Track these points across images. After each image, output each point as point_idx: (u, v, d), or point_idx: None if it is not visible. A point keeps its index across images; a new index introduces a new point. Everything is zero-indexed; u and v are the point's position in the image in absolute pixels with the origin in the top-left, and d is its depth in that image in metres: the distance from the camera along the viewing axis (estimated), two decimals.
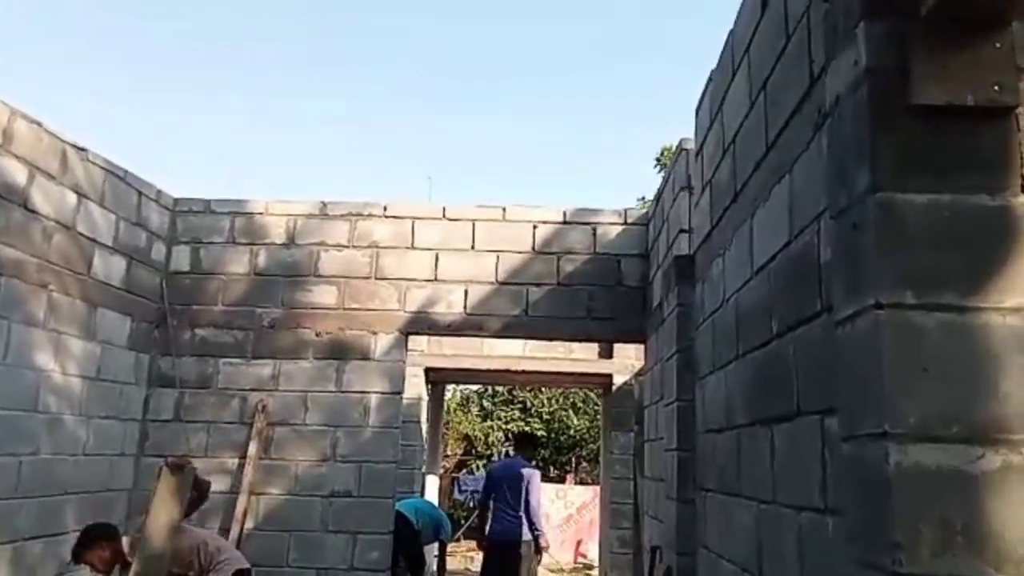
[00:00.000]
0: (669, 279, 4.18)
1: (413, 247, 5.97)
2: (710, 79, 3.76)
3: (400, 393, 5.89)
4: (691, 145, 4.33)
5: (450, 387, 19.14)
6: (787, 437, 2.33)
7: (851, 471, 1.62)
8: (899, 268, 1.52)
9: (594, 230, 5.98)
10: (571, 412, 18.98)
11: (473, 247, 5.95)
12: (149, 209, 5.80)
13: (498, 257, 5.93)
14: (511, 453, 8.67)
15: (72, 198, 4.90)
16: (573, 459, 19.83)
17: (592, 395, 17.14)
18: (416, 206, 6.07)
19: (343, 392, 5.81)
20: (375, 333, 5.86)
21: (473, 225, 5.99)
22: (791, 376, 2.29)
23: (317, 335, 5.87)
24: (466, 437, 19.17)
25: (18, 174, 4.40)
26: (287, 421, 5.80)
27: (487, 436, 18.74)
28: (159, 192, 5.93)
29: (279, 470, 5.75)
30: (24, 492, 4.59)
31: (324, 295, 5.92)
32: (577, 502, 13.87)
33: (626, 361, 8.44)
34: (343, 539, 5.65)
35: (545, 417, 18.90)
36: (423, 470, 9.62)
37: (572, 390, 18.33)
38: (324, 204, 6.08)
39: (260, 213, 6.07)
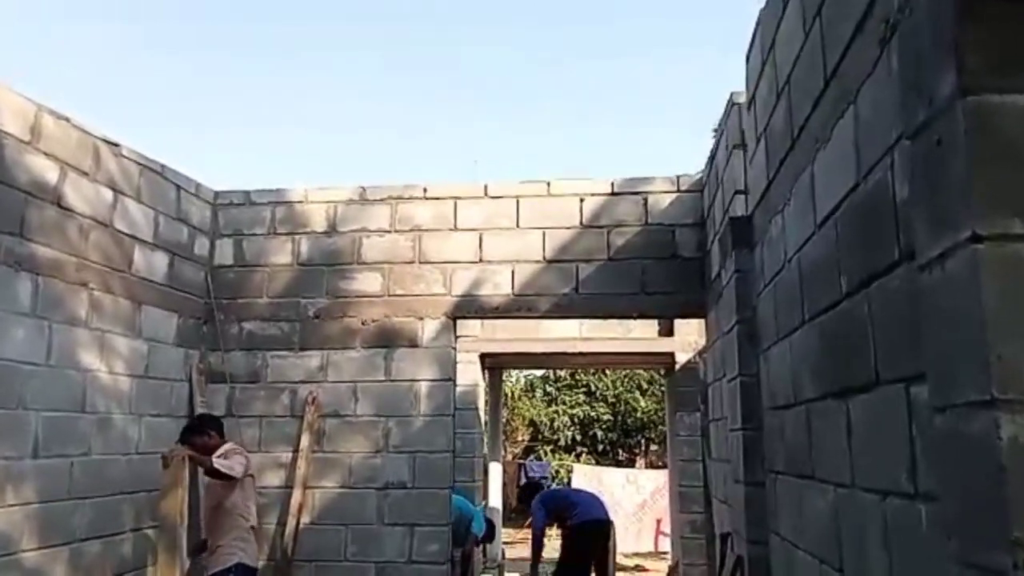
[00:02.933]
0: (725, 244, 3.84)
1: (456, 228, 5.74)
2: (759, 21, 3.39)
3: (450, 380, 5.69)
4: (742, 98, 3.97)
5: (512, 373, 19.05)
6: (865, 411, 2.00)
7: (948, 448, 1.30)
8: (999, 190, 1.19)
9: (645, 200, 5.64)
10: (637, 393, 18.60)
11: (518, 225, 5.69)
12: (189, 203, 5.74)
13: (544, 234, 5.65)
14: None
15: (108, 194, 4.84)
16: (642, 441, 19.45)
17: (657, 375, 16.73)
18: (457, 186, 5.84)
19: (392, 381, 5.65)
20: (422, 319, 5.67)
21: (517, 202, 5.73)
22: (867, 340, 1.96)
23: (363, 323, 5.72)
24: (532, 423, 19.02)
25: (49, 172, 4.34)
26: (338, 412, 5.68)
27: (552, 421, 18.54)
28: (198, 186, 5.85)
29: (332, 462, 5.63)
30: (78, 493, 4.57)
31: (368, 282, 5.76)
32: (649, 487, 13.51)
33: (688, 338, 8.06)
34: (400, 532, 5.50)
35: (610, 400, 18.57)
36: (485, 458, 9.47)
37: (637, 371, 17.95)
38: (364, 189, 5.91)
39: (300, 202, 5.94)
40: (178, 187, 5.61)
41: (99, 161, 4.76)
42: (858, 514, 2.02)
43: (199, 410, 5.69)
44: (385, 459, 5.58)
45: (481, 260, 5.67)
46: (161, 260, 5.40)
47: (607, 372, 18.64)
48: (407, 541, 5.48)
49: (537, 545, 7.03)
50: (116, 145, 4.93)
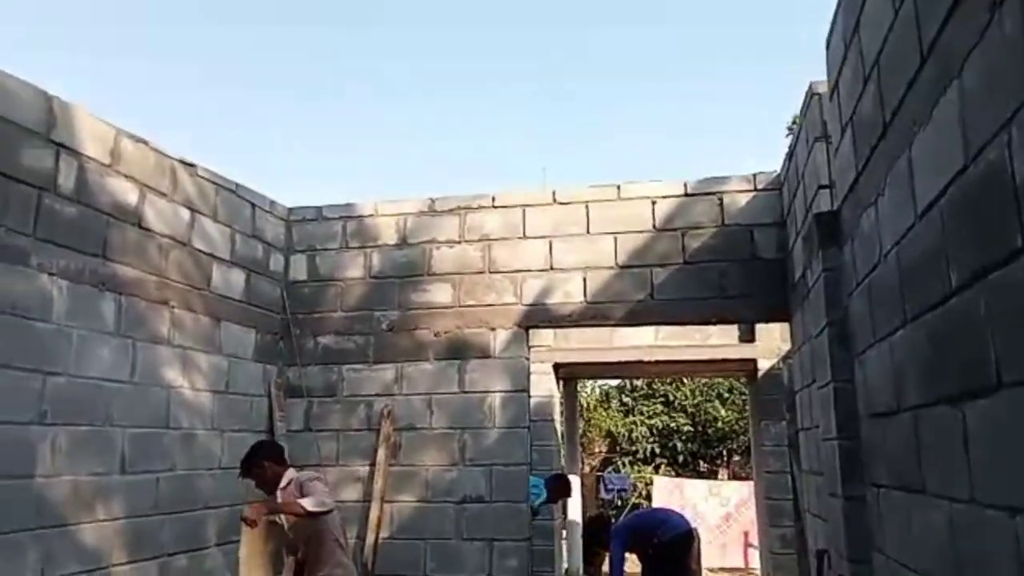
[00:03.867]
0: (811, 242, 3.62)
1: (525, 236, 5.66)
2: (839, 4, 3.19)
3: (525, 391, 5.59)
4: (823, 88, 3.75)
5: (587, 384, 18.82)
6: (984, 417, 1.80)
7: None
8: None
9: (720, 200, 5.42)
10: (717, 403, 18.09)
11: (588, 231, 5.56)
12: (264, 220, 5.83)
13: (616, 239, 5.50)
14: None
15: (185, 214, 4.95)
16: (724, 452, 18.89)
17: (738, 383, 16.21)
18: (525, 194, 5.76)
19: (466, 392, 5.59)
20: (493, 329, 5.59)
21: (586, 207, 5.60)
22: (983, 338, 1.76)
23: (435, 335, 5.68)
24: (609, 434, 18.72)
25: (129, 193, 4.46)
26: (413, 425, 5.65)
27: (630, 432, 18.19)
28: (272, 203, 5.95)
29: (409, 476, 5.60)
30: (164, 508, 4.66)
31: (439, 293, 5.72)
32: (734, 499, 13.05)
33: (771, 344, 7.74)
34: (479, 547, 5.42)
35: (689, 410, 18.11)
36: (562, 470, 9.31)
37: (716, 379, 17.47)
38: (432, 200, 5.89)
39: (370, 215, 5.97)
40: (253, 205, 5.71)
41: (176, 182, 4.88)
42: (981, 533, 1.81)
43: (278, 425, 5.76)
44: (462, 472, 5.51)
45: (551, 268, 5.57)
46: (238, 277, 5.50)
47: (685, 381, 18.19)
48: (486, 556, 5.39)
49: None
50: (192, 165, 5.05)
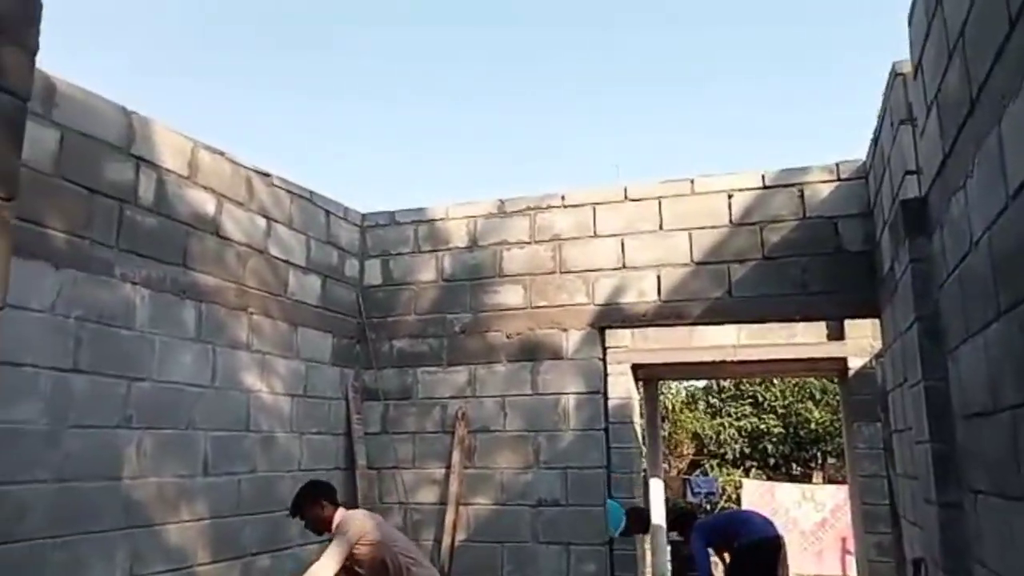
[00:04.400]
0: (897, 231, 3.39)
1: (596, 235, 5.55)
2: None
3: (599, 392, 5.48)
4: (906, 67, 3.51)
5: (671, 385, 18.45)
6: None
7: None
8: None
9: (801, 192, 5.18)
10: (810, 404, 17.40)
11: (661, 227, 5.41)
12: (338, 227, 5.93)
13: (690, 235, 5.33)
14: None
15: (261, 222, 5.08)
16: (818, 454, 18.15)
17: (831, 383, 15.53)
18: (595, 191, 5.65)
19: (539, 395, 5.53)
20: (565, 330, 5.51)
21: (659, 203, 5.45)
22: None
23: (507, 337, 5.65)
24: (696, 436, 18.29)
25: (207, 204, 4.61)
26: (487, 428, 5.63)
27: (718, 434, 17.73)
28: (346, 209, 6.05)
29: (484, 479, 5.58)
30: (246, 509, 4.78)
31: (510, 295, 5.69)
32: (829, 503, 12.51)
33: (862, 341, 7.36)
34: (556, 550, 5.34)
35: (780, 411, 17.50)
36: (645, 473, 9.13)
37: (809, 380, 16.81)
38: (502, 202, 5.86)
39: (441, 219, 5.99)
40: (327, 212, 5.82)
41: (252, 191, 5.02)
42: None
43: (356, 427, 5.85)
44: (537, 475, 5.45)
45: (624, 266, 5.44)
46: (314, 283, 5.61)
47: (775, 382, 17.59)
48: (564, 560, 5.31)
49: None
50: (267, 175, 5.18)
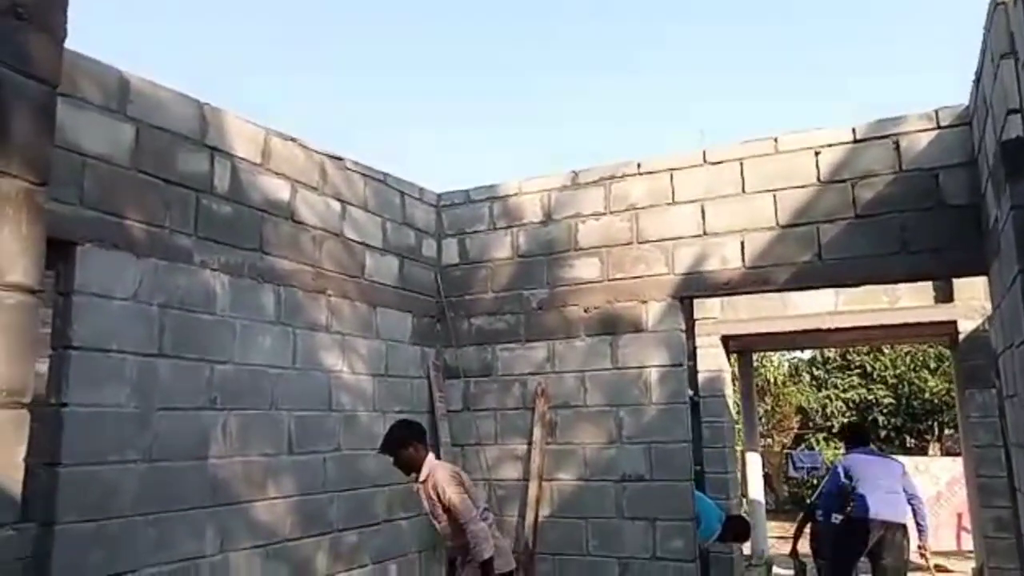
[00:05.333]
0: (997, 176, 3.07)
1: (675, 202, 5.34)
2: None
3: (682, 365, 5.30)
4: None
5: (773, 358, 17.82)
6: None
7: None
8: None
9: (896, 143, 4.80)
10: (925, 372, 16.43)
11: (743, 190, 5.14)
12: (414, 208, 5.96)
13: (775, 197, 5.04)
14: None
15: (336, 206, 5.15)
16: (935, 426, 17.15)
17: (948, 350, 14.59)
18: (672, 157, 5.43)
19: (620, 369, 5.40)
20: (645, 302, 5.34)
21: (740, 165, 5.18)
22: None
23: (585, 311, 5.53)
24: (800, 410, 17.63)
25: (281, 190, 4.70)
26: (568, 403, 5.55)
27: (824, 407, 17.02)
28: (422, 190, 6.06)
29: (566, 454, 5.52)
30: (332, 487, 4.90)
31: (586, 268, 5.56)
32: (945, 477, 11.79)
33: (972, 303, 6.82)
34: (641, 526, 5.23)
35: (891, 381, 16.60)
36: (741, 448, 8.85)
37: (921, 347, 15.86)
38: (576, 173, 5.72)
39: (515, 195, 5.91)
40: (402, 193, 5.84)
41: (325, 176, 5.08)
42: None
43: (438, 405, 5.89)
44: (620, 450, 5.34)
45: (705, 233, 5.21)
46: (392, 264, 5.66)
47: (884, 351, 16.70)
48: (649, 536, 5.19)
49: (829, 497, 6.25)
50: (340, 159, 5.24)
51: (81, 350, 3.46)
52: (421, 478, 4.09)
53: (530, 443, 5.59)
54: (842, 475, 6.10)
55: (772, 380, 17.56)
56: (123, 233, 3.71)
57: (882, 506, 5.91)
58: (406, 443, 4.11)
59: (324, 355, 4.94)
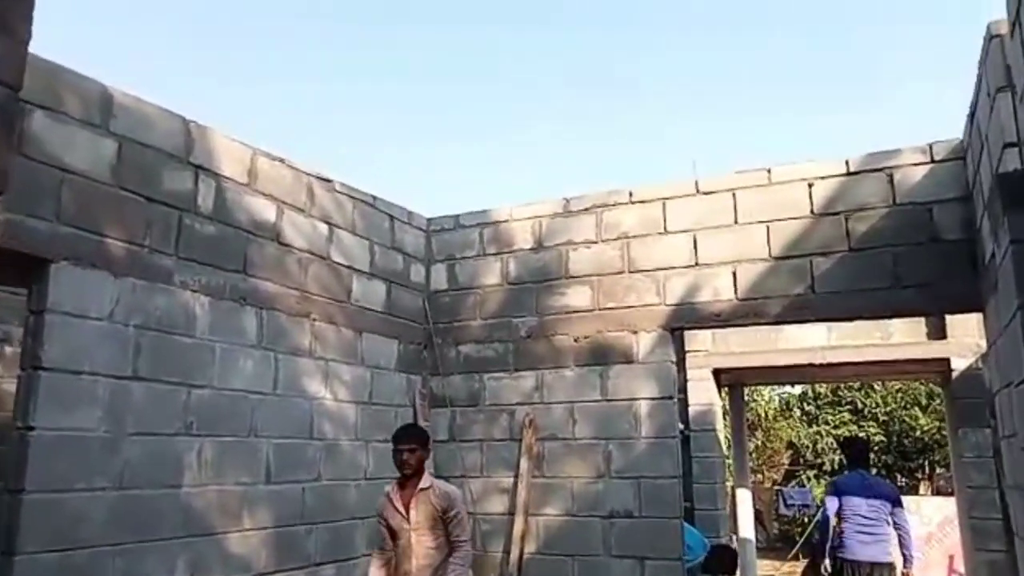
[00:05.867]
0: (995, 210, 3.02)
1: (667, 231, 5.28)
2: None
3: (672, 398, 5.19)
4: (1003, 28, 3.13)
5: (763, 392, 17.72)
6: None
7: None
8: None
9: (890, 177, 4.76)
10: (916, 410, 16.33)
11: (736, 221, 5.09)
12: (403, 232, 5.88)
13: (768, 228, 4.99)
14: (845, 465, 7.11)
15: (323, 228, 5.06)
16: (926, 464, 17.02)
17: (939, 388, 14.52)
18: (665, 186, 5.38)
19: (609, 400, 5.29)
20: (636, 332, 5.25)
21: (733, 196, 5.13)
22: None
23: (575, 340, 5.44)
24: (791, 445, 17.47)
25: (267, 210, 4.61)
26: (556, 435, 5.43)
27: (815, 443, 16.86)
28: (411, 214, 5.99)
29: (554, 488, 5.38)
30: (310, 518, 4.74)
31: (577, 296, 5.48)
32: (936, 517, 11.62)
33: (966, 339, 6.76)
34: (629, 565, 5.08)
35: (881, 418, 16.50)
36: (729, 484, 8.70)
37: (912, 384, 15.79)
38: (567, 201, 5.66)
39: (505, 221, 5.84)
40: (391, 217, 5.77)
41: (313, 197, 5.00)
42: None
43: None
44: (608, 485, 5.21)
45: (697, 264, 5.15)
46: (379, 288, 5.56)
47: (875, 387, 16.62)
48: (637, 575, 5.04)
49: (823, 531, 6.04)
50: (328, 181, 5.16)
51: (52, 371, 3.34)
52: (422, 485, 3.89)
53: (516, 476, 5.46)
54: (831, 506, 5.95)
55: (763, 415, 17.42)
56: (101, 251, 3.60)
57: (867, 546, 5.77)
58: (427, 444, 4.04)
59: (307, 381, 4.81)
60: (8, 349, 5.71)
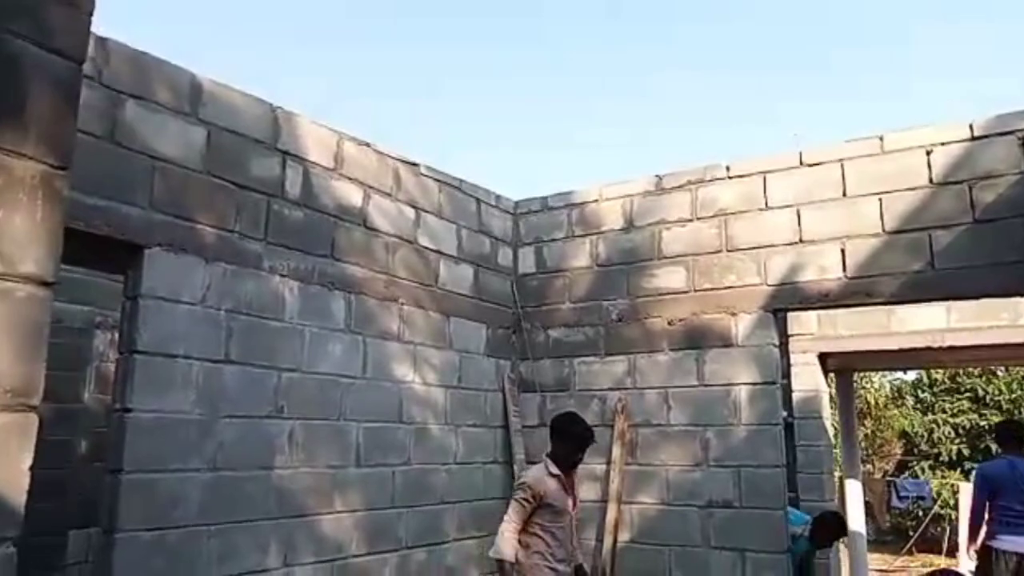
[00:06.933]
0: None
1: (767, 207, 4.96)
2: None
3: (775, 383, 4.90)
4: None
5: (873, 379, 16.81)
6: None
7: None
8: None
9: (1022, 140, 4.30)
10: None
11: (844, 194, 4.72)
12: (490, 215, 5.78)
13: (881, 201, 4.60)
14: (997, 451, 6.56)
15: (410, 212, 5.02)
16: None
17: None
18: (765, 159, 5.05)
19: (706, 386, 5.04)
20: (734, 314, 4.98)
21: (841, 166, 4.76)
22: None
23: (669, 324, 5.20)
24: (904, 435, 16.52)
25: (353, 195, 4.60)
26: (649, 422, 5.23)
27: (930, 432, 15.87)
28: (498, 197, 5.89)
29: (648, 476, 5.19)
30: (400, 502, 4.73)
31: (671, 278, 5.24)
32: None
33: None
34: (729, 557, 4.84)
35: (1005, 407, 15.34)
36: (837, 474, 8.24)
37: None
38: (659, 178, 5.42)
39: (594, 201, 5.65)
40: (478, 200, 5.68)
41: (399, 181, 4.97)
42: None
43: (513, 420, 5.67)
44: (706, 474, 4.97)
45: (801, 241, 4.81)
46: (466, 272, 5.49)
47: (998, 373, 15.47)
48: (739, 569, 4.79)
49: (974, 521, 5.54)
50: (415, 165, 5.12)
51: (147, 355, 3.41)
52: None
53: (609, 463, 5.29)
54: (979, 494, 5.47)
55: (873, 402, 16.54)
56: (192, 237, 3.66)
57: (1018, 536, 5.28)
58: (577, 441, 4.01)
59: (395, 365, 4.80)
60: (110, 335, 5.98)
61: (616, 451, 5.23)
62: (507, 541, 3.68)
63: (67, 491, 5.78)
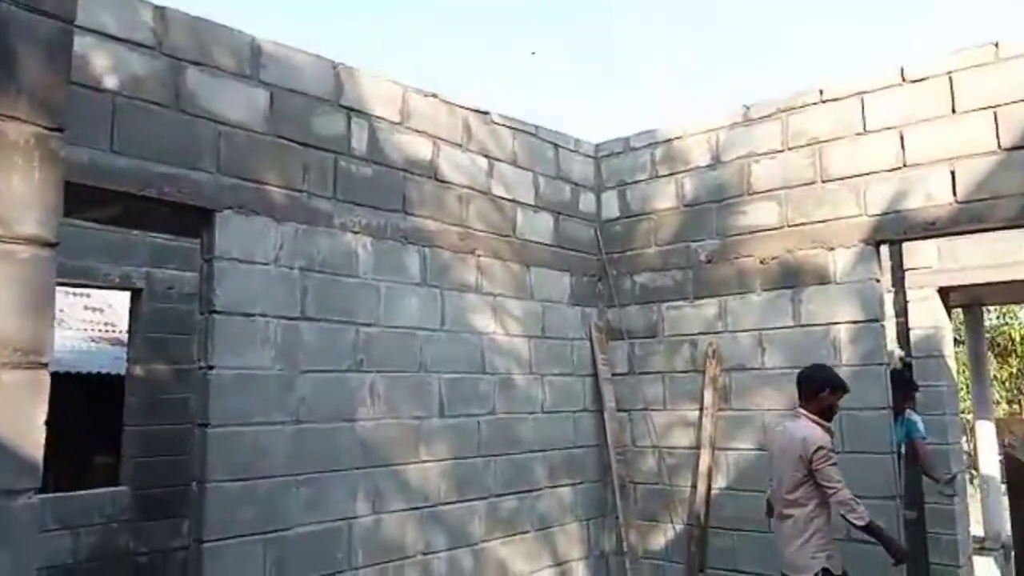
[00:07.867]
0: None
1: (866, 131, 4.55)
2: None
3: (878, 321, 4.55)
4: None
5: (1020, 313, 15.46)
6: None
7: None
8: None
9: None
10: None
11: (953, 110, 4.26)
12: (569, 160, 5.62)
13: (995, 115, 4.12)
14: None
15: (483, 162, 4.95)
16: None
17: None
18: (861, 78, 4.62)
19: (802, 326, 4.75)
20: (832, 249, 4.64)
21: (949, 80, 4.28)
22: None
23: (761, 262, 4.92)
24: None
25: (422, 148, 4.57)
26: (743, 366, 5.00)
27: None
28: (577, 141, 5.71)
29: (742, 421, 4.99)
30: (487, 450, 4.77)
31: (761, 214, 4.93)
32: None
33: None
34: None
35: None
36: (964, 416, 7.66)
37: None
38: (746, 108, 5.08)
39: (678, 137, 5.38)
40: (556, 145, 5.53)
41: (470, 132, 4.89)
42: None
43: (602, 368, 5.57)
44: None
45: (904, 165, 4.40)
46: (545, 221, 5.39)
47: None
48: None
49: None
50: (485, 113, 5.02)
51: (225, 314, 3.54)
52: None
53: (701, 408, 5.12)
54: None
55: (1018, 339, 15.29)
56: (261, 198, 3.74)
57: None
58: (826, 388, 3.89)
59: (475, 317, 4.79)
60: None
61: (708, 396, 5.05)
62: (859, 503, 3.76)
63: (189, 445, 6.20)
